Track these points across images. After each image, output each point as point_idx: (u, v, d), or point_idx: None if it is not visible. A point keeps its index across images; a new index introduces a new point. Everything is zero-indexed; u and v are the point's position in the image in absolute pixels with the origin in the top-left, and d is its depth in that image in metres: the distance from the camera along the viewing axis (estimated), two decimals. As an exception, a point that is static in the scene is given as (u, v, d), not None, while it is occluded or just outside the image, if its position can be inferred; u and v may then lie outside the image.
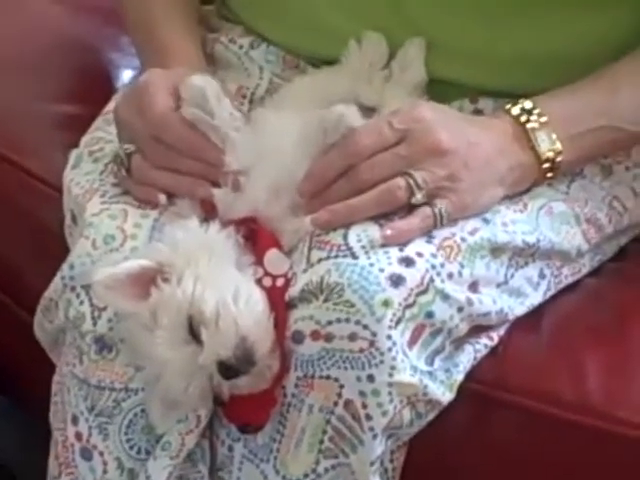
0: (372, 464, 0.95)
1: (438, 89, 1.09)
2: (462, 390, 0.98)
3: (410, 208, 0.97)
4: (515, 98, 1.05)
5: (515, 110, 1.03)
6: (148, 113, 1.02)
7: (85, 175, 1.07)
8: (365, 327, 0.92)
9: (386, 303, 0.92)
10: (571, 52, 1.08)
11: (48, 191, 1.17)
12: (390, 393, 0.93)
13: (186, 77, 1.01)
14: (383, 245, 0.95)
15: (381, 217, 0.97)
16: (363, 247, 0.95)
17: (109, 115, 1.13)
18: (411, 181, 0.96)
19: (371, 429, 0.93)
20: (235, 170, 1.00)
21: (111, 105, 1.16)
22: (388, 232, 0.95)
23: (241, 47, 1.17)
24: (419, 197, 0.96)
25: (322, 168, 0.98)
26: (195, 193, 1.01)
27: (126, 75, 1.30)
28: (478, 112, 1.10)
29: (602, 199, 1.09)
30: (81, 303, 0.99)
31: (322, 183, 0.98)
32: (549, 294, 1.05)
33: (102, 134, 1.12)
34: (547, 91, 1.05)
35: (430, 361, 0.96)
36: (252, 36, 1.17)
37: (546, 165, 1.03)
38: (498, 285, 1.00)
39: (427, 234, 0.97)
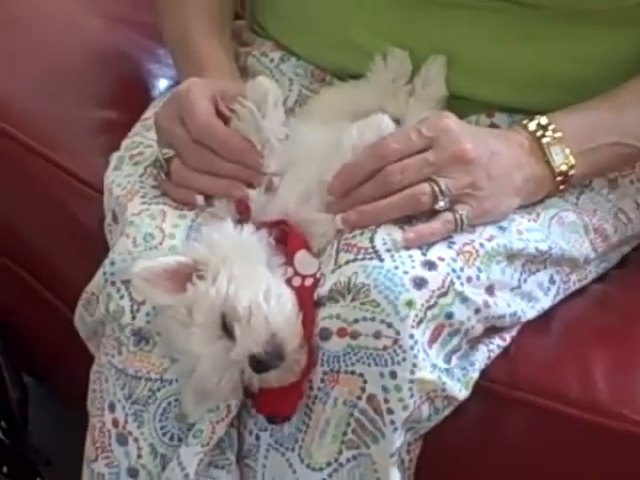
0: (392, 456, 0.94)
1: (457, 104, 1.08)
2: (475, 387, 0.97)
3: (432, 213, 0.96)
4: (528, 114, 1.04)
5: (532, 125, 1.03)
6: (191, 119, 1.01)
7: (126, 177, 1.07)
8: (389, 326, 0.91)
9: (409, 304, 0.92)
10: (582, 74, 1.08)
11: (88, 191, 1.16)
12: (411, 389, 0.92)
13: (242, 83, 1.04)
14: (405, 247, 0.94)
15: (405, 221, 0.96)
16: (388, 250, 0.94)
17: (148, 121, 1.13)
18: (436, 188, 0.96)
19: (392, 422, 0.93)
20: (270, 173, 1.00)
21: (149, 112, 1.16)
22: (410, 235, 0.95)
23: (272, 60, 1.17)
24: (442, 204, 0.96)
25: (352, 169, 0.98)
26: (231, 194, 1.00)
27: (162, 84, 1.29)
28: (494, 126, 1.10)
29: (608, 210, 1.09)
30: (121, 297, 0.98)
31: (351, 183, 0.98)
32: (558, 298, 1.05)
33: (141, 139, 1.12)
34: (558, 109, 1.05)
35: (448, 359, 0.96)
36: (282, 51, 1.17)
37: (559, 178, 1.03)
38: (512, 289, 0.99)
39: (448, 240, 0.96)
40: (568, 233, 1.04)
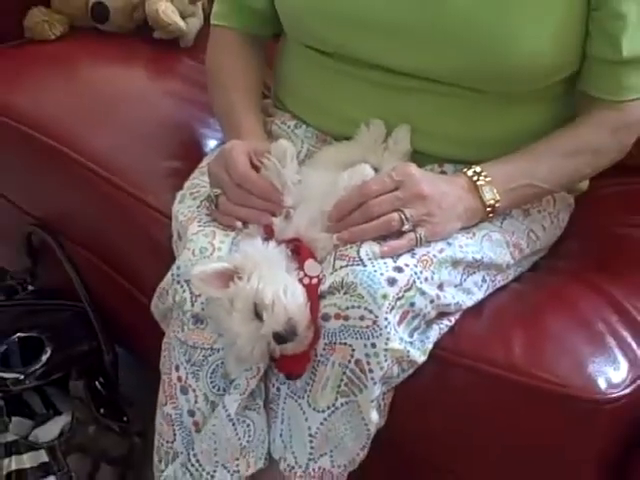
0: (372, 401, 0.94)
1: (417, 157, 1.07)
2: (430, 354, 0.97)
3: (400, 233, 0.96)
4: (468, 164, 1.04)
5: (469, 172, 1.02)
6: (233, 169, 1.01)
7: (187, 208, 1.06)
8: (370, 311, 0.91)
9: (384, 296, 0.92)
10: (512, 137, 1.07)
11: (161, 218, 1.15)
12: (385, 355, 0.92)
13: (269, 143, 1.04)
14: (382, 257, 0.94)
15: (381, 239, 0.96)
16: (370, 259, 0.94)
17: (203, 169, 1.12)
18: (402, 216, 0.96)
19: (372, 378, 0.93)
20: (287, 206, 1.00)
21: (204, 162, 1.15)
22: (385, 248, 0.95)
23: (289, 127, 1.15)
24: (407, 227, 0.96)
25: (345, 202, 0.98)
26: (261, 221, 1.00)
27: (212, 143, 1.28)
28: (443, 172, 1.08)
29: (523, 231, 1.08)
30: (184, 291, 0.98)
31: (344, 212, 0.97)
32: (488, 293, 1.03)
33: (198, 181, 1.10)
34: (490, 160, 1.04)
35: (411, 335, 0.95)
36: (296, 120, 1.16)
37: (489, 209, 1.02)
38: (456, 286, 0.99)
39: (411, 252, 0.96)
40: (495, 247, 1.03)
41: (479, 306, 1.02)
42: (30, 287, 1.38)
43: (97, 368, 1.28)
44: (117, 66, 1.45)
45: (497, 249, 1.03)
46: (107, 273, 1.27)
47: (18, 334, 1.27)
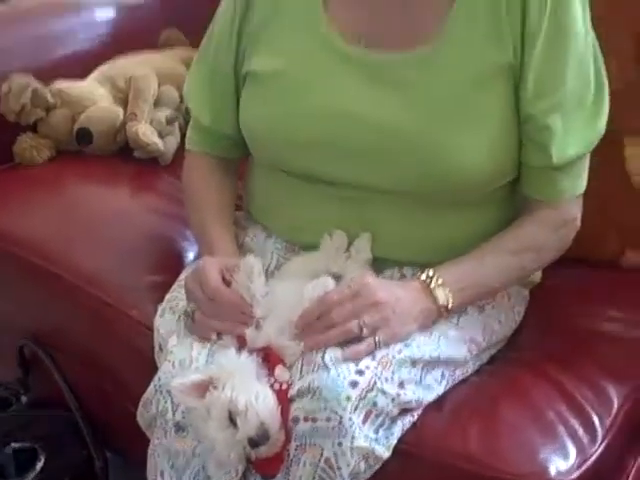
0: (343, 496, 0.98)
1: (378, 263, 1.13)
2: (394, 449, 1.00)
3: (360, 338, 1.02)
4: (425, 267, 1.09)
5: (423, 276, 1.07)
6: (206, 285, 1.07)
7: (168, 321, 1.11)
8: (335, 413, 0.97)
9: (348, 398, 0.97)
10: (459, 238, 1.12)
11: (145, 330, 1.18)
12: (352, 453, 0.97)
13: (239, 259, 1.09)
14: (344, 361, 1.00)
15: (343, 344, 1.02)
16: (333, 364, 1.00)
17: (181, 282, 1.17)
18: (361, 322, 1.02)
19: (341, 475, 0.97)
20: (258, 317, 1.05)
21: (182, 275, 1.20)
22: (347, 353, 1.01)
23: (260, 240, 1.21)
24: (365, 332, 1.02)
25: (309, 312, 1.04)
26: (234, 332, 1.05)
27: (191, 256, 1.33)
28: (403, 276, 1.13)
29: (479, 327, 1.12)
30: (165, 401, 1.03)
31: (309, 321, 1.03)
32: (448, 387, 1.07)
33: (177, 294, 1.16)
34: (444, 261, 1.10)
35: (376, 431, 0.99)
36: (266, 232, 1.22)
37: (443, 309, 1.08)
38: (416, 383, 1.03)
39: (371, 355, 1.02)
40: (452, 344, 1.06)
41: (440, 400, 1.05)
42: (23, 398, 1.43)
43: (89, 475, 1.32)
44: (101, 185, 1.53)
45: (454, 345, 1.07)
46: (96, 383, 1.32)
47: (12, 444, 1.32)
